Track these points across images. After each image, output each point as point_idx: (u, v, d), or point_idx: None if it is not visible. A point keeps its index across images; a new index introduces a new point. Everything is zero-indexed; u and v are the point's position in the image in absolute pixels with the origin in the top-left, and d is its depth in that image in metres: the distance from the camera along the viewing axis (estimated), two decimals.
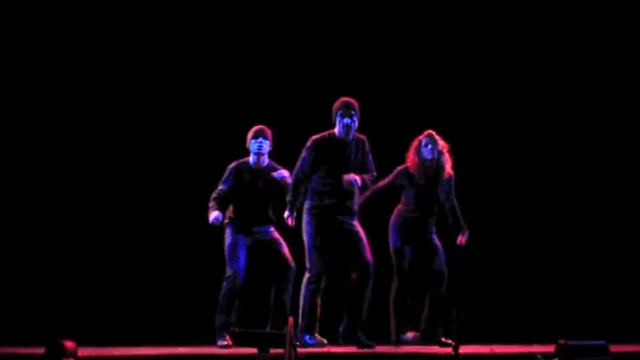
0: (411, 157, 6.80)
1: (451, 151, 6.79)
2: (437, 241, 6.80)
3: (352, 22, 8.26)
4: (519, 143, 8.27)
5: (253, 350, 4.92)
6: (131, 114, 8.07)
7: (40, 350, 4.94)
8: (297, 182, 6.46)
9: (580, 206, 8.19)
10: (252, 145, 6.72)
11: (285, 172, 6.57)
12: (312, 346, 6.23)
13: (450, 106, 8.19)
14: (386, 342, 6.69)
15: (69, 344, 4.86)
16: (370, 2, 8.32)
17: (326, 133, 6.51)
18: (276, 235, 6.70)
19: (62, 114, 8.01)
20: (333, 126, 6.50)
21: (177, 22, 8.15)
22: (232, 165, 6.77)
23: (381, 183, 6.79)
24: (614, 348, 5.08)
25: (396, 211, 6.86)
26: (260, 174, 6.69)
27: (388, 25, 8.30)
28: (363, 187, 6.48)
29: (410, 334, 6.74)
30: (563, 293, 7.94)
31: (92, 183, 8.01)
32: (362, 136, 6.56)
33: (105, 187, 8.01)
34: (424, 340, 6.68)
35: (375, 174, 6.56)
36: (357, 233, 6.40)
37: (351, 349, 6.14)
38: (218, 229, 6.64)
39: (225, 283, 6.57)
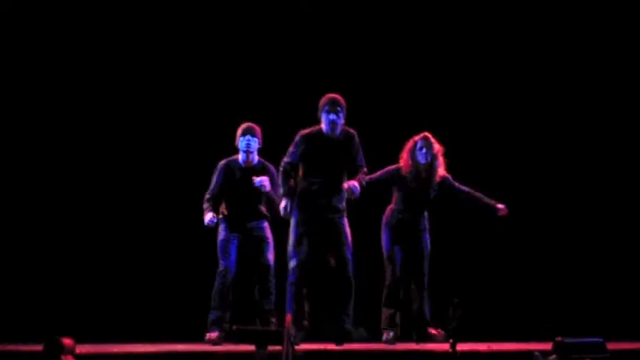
0: (404, 158, 6.75)
1: (446, 153, 6.74)
2: (427, 242, 6.77)
3: (350, 21, 8.27)
4: (515, 139, 8.27)
5: (251, 347, 4.92)
6: (126, 111, 8.11)
7: (39, 347, 4.94)
8: (285, 173, 6.38)
9: (577, 204, 8.19)
10: (240, 142, 6.71)
11: (265, 180, 6.53)
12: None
13: (445, 104, 8.20)
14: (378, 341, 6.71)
15: (67, 341, 4.86)
16: (367, 3, 8.32)
17: (314, 128, 6.46)
18: (268, 233, 6.72)
19: (61, 113, 8.05)
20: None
21: (176, 22, 8.18)
22: (222, 162, 6.78)
23: (371, 176, 6.68)
24: (611, 345, 5.09)
25: (387, 212, 6.84)
26: (250, 171, 6.68)
27: (384, 24, 8.31)
28: (361, 189, 6.45)
29: (391, 333, 6.67)
30: (561, 291, 7.95)
31: (91, 183, 8.05)
32: (351, 131, 6.50)
33: (103, 187, 8.05)
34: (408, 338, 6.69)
35: (365, 169, 6.49)
36: (341, 231, 6.36)
37: (349, 347, 6.15)
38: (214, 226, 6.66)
39: (217, 279, 6.62)
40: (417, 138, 6.75)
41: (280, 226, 6.69)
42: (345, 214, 6.46)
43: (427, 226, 6.86)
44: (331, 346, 6.08)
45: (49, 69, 8.05)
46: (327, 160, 6.36)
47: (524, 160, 8.26)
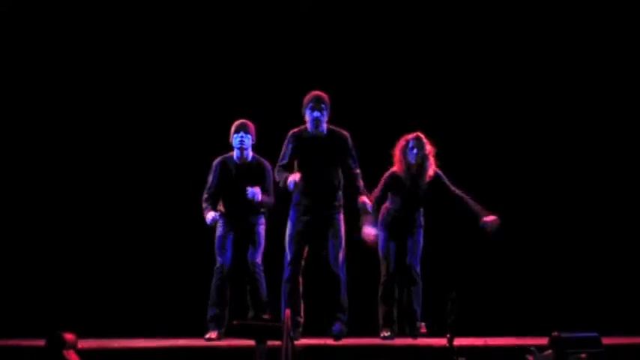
0: (397, 156, 6.73)
1: (442, 152, 6.74)
2: (420, 238, 6.77)
3: (349, 22, 8.27)
4: (510, 137, 8.26)
5: (251, 342, 4.96)
6: (123, 108, 8.12)
7: (41, 342, 4.96)
8: (281, 170, 6.44)
9: (572, 200, 8.19)
10: (234, 139, 6.72)
11: (257, 191, 6.54)
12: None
13: (444, 105, 8.20)
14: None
15: (69, 336, 4.87)
16: (366, 3, 8.34)
17: (303, 127, 6.52)
18: (262, 230, 6.74)
19: (60, 112, 8.06)
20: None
21: (174, 22, 8.18)
22: (217, 161, 6.80)
23: (375, 194, 6.67)
24: (605, 340, 5.12)
25: (382, 210, 6.83)
26: (245, 168, 6.71)
27: (384, 24, 8.32)
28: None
29: (388, 330, 6.69)
30: (557, 286, 7.96)
31: (92, 179, 8.05)
32: (344, 133, 6.54)
33: (104, 184, 8.06)
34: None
35: (357, 171, 6.50)
36: (335, 227, 6.41)
37: (347, 342, 6.20)
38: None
39: (214, 275, 6.67)
40: (409, 137, 6.72)
41: (277, 222, 6.73)
42: (340, 210, 6.51)
43: (422, 223, 6.88)
44: (330, 342, 6.13)
45: (49, 69, 8.06)
46: (315, 157, 6.39)
47: (520, 157, 8.25)
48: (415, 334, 6.59)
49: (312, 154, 6.43)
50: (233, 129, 6.74)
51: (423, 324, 6.48)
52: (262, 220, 6.78)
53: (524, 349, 5.11)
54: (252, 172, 6.70)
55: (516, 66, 8.31)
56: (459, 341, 5.11)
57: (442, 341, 5.25)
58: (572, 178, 8.23)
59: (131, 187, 8.06)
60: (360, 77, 8.17)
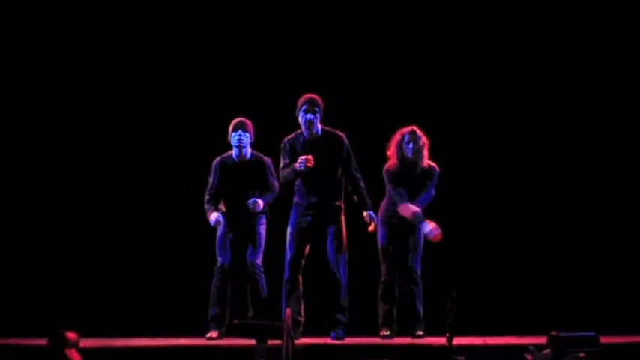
0: (392, 151, 6.68)
1: (434, 147, 6.69)
2: (421, 236, 6.65)
3: (349, 22, 8.28)
4: (509, 135, 8.27)
5: (251, 341, 4.98)
6: (123, 107, 8.15)
7: (43, 341, 4.96)
8: (283, 168, 6.46)
9: (570, 199, 8.20)
10: (232, 138, 6.73)
11: (258, 202, 6.55)
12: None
13: (444, 105, 8.21)
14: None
15: (71, 335, 4.86)
16: (366, 3, 8.36)
17: (298, 132, 6.52)
18: (262, 230, 6.76)
19: (61, 113, 8.09)
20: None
21: (173, 22, 8.20)
22: (216, 160, 6.82)
23: (391, 194, 6.67)
24: (603, 339, 5.15)
25: (381, 207, 6.80)
26: (244, 167, 6.74)
27: (384, 24, 8.34)
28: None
29: (388, 329, 6.68)
30: (555, 286, 7.97)
31: (93, 178, 8.08)
32: (339, 133, 6.54)
33: (106, 183, 8.08)
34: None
35: (359, 176, 6.52)
36: (334, 229, 6.43)
37: (348, 341, 6.22)
38: None
39: (215, 275, 6.70)
40: (404, 131, 6.65)
41: (278, 222, 6.76)
42: (341, 212, 6.51)
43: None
44: (330, 341, 6.16)
45: (49, 69, 8.09)
46: (313, 159, 6.34)
47: (519, 155, 8.25)
48: (415, 335, 6.60)
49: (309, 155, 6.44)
50: (231, 128, 6.75)
51: (421, 332, 6.52)
52: (263, 220, 6.80)
53: (523, 348, 5.13)
54: (251, 170, 6.73)
55: (512, 64, 8.30)
56: (458, 340, 5.12)
57: (441, 340, 5.26)
58: (571, 177, 8.23)
59: (131, 187, 8.09)
60: (360, 77, 8.18)
